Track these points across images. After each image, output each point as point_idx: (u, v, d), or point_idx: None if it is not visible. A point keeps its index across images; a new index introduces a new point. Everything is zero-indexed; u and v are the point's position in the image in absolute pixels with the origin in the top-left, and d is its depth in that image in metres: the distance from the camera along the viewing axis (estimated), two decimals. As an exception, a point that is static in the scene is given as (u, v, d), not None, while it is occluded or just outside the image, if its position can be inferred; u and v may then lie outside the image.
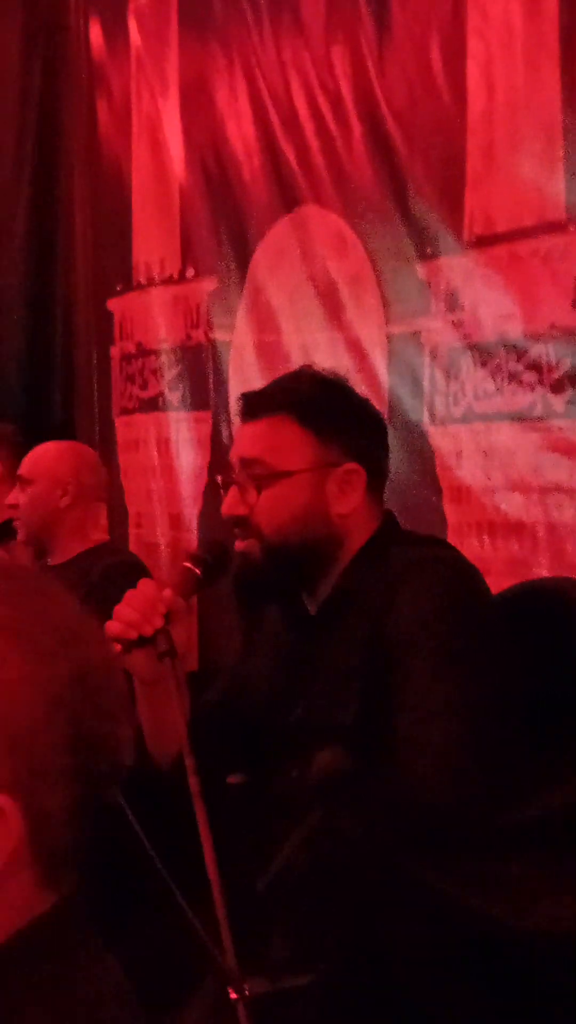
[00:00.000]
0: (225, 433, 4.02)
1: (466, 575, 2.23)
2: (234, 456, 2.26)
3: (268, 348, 3.83)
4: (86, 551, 3.59)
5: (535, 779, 2.04)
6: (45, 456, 3.67)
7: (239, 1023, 1.55)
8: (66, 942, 1.12)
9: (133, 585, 2.14)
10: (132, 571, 3.28)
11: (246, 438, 2.26)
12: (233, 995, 1.56)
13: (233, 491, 2.23)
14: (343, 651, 2.16)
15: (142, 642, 2.06)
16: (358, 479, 2.23)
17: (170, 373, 4.34)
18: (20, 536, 3.66)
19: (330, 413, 2.24)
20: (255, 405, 2.27)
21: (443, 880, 1.83)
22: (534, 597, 2.47)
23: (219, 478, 2.34)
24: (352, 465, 2.22)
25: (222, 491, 2.27)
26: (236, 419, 3.92)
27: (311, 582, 2.25)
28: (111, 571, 3.40)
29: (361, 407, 2.32)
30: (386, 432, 2.37)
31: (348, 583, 2.22)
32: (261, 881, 1.84)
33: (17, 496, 3.63)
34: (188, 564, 2.20)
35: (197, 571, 2.18)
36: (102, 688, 1.11)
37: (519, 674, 2.16)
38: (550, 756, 2.11)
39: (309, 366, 2.42)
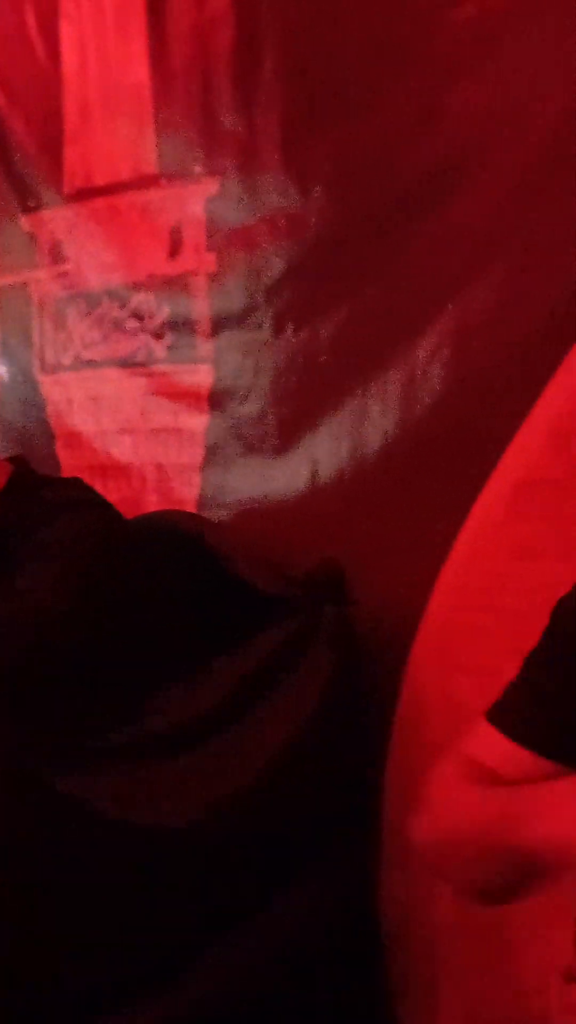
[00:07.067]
0: None
1: (111, 514, 2.44)
2: None
3: None
4: None
5: (144, 697, 2.21)
6: None
7: None
8: None
9: None
10: None
11: None
12: None
13: None
14: None
15: None
16: None
17: None
18: None
19: None
20: None
21: (72, 787, 1.97)
22: (147, 527, 2.65)
23: None
24: None
25: None
26: None
27: None
28: None
29: None
30: None
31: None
32: None
33: None
34: None
35: None
36: None
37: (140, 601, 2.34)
38: (157, 675, 2.29)
39: None
